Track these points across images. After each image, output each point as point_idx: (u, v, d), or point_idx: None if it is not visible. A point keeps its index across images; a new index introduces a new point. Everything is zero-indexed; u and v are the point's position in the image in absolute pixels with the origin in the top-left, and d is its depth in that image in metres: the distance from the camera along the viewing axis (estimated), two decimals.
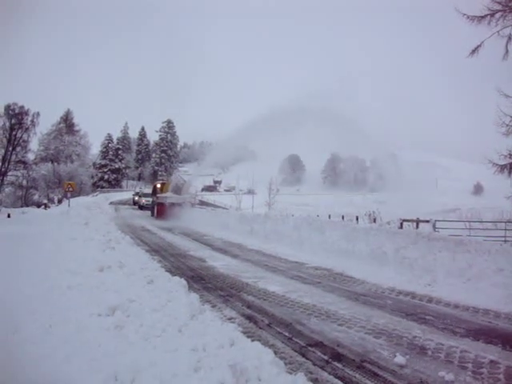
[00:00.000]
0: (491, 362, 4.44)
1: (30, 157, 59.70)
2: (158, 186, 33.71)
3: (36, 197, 60.49)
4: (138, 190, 61.60)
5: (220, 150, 35.80)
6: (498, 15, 14.80)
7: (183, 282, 6.66)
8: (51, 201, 54.15)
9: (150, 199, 36.13)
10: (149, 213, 33.61)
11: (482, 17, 15.09)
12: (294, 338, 5.11)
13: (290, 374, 3.65)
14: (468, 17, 15.56)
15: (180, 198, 28.83)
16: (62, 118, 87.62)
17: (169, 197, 28.90)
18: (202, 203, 41.33)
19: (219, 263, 10.72)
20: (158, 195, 30.73)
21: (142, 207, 41.82)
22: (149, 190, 44.51)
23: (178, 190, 30.19)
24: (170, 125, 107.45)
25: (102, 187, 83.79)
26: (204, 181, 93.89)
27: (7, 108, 49.00)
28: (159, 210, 28.79)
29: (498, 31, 14.85)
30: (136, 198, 48.82)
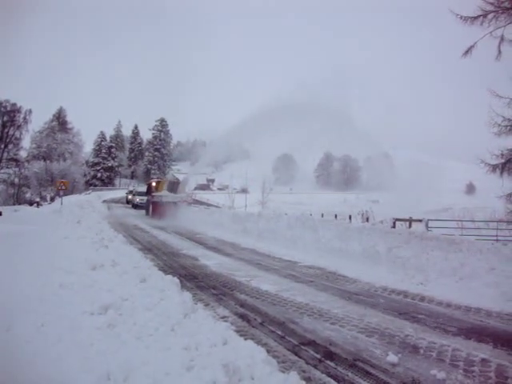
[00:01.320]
0: (482, 360, 4.47)
1: (23, 154, 59.64)
2: (153, 184, 32.62)
3: (28, 195, 60.22)
4: (131, 188, 61.17)
5: (215, 149, 35.43)
6: (490, 16, 14.87)
7: (176, 280, 6.64)
8: (43, 199, 53.90)
9: (145, 198, 35.33)
10: (142, 211, 33.09)
11: (475, 17, 15.16)
12: (286, 337, 5.11)
13: (283, 372, 3.65)
14: (461, 17, 15.62)
15: (176, 197, 28.17)
16: (54, 115, 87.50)
17: (164, 195, 28.11)
18: (196, 202, 41.11)
19: (212, 262, 10.70)
20: (153, 194, 29.90)
21: (136, 206, 40.95)
22: (143, 189, 44.07)
23: (173, 189, 29.66)
24: (163, 123, 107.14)
25: (95, 185, 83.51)
26: (197, 179, 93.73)
27: None
28: (154, 208, 28.08)
29: (490, 32, 14.92)
30: (129, 197, 48.23)
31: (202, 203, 45.10)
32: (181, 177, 36.52)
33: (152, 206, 28.69)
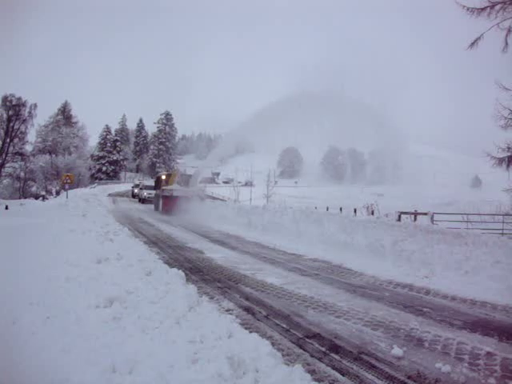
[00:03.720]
0: (488, 353, 4.46)
1: (28, 148, 59.70)
2: (163, 177, 30.56)
3: (34, 188, 60.54)
4: (137, 181, 60.89)
5: (226, 143, 34.65)
6: (497, 7, 14.69)
7: (181, 273, 6.66)
8: (49, 192, 54.18)
9: (153, 192, 33.66)
10: (150, 206, 31.93)
11: (482, 9, 14.98)
12: (291, 330, 5.11)
13: (288, 365, 3.65)
14: (468, 9, 15.43)
15: (188, 191, 26.57)
16: (59, 109, 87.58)
17: (175, 189, 26.38)
18: (207, 196, 39.79)
19: (217, 255, 10.72)
20: (163, 187, 27.77)
21: (143, 200, 39.42)
22: (150, 182, 43.40)
23: (185, 182, 28.51)
24: (168, 116, 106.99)
25: (100, 179, 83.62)
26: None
27: (4, 99, 48.87)
28: (165, 203, 26.30)
29: (497, 23, 14.74)
30: (136, 191, 47.44)
31: (207, 197, 44.74)
32: (191, 170, 35.46)
33: (163, 201, 26.97)
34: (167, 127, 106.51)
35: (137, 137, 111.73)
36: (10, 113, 48.83)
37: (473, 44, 15.75)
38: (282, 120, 26.01)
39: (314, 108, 24.28)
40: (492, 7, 14.76)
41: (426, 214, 16.52)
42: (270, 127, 27.70)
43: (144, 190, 40.93)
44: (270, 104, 25.15)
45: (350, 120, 24.50)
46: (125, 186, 66.65)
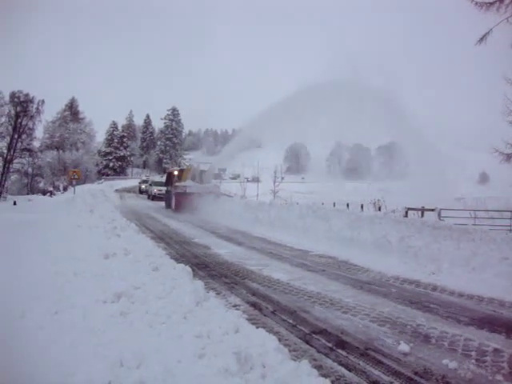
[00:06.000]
0: (495, 350, 4.44)
1: (36, 144, 59.96)
2: (176, 173, 28.52)
3: (41, 184, 60.85)
4: (144, 177, 60.67)
5: (241, 138, 33.67)
6: (507, 1, 14.51)
7: (188, 269, 6.67)
8: (57, 188, 54.48)
9: (164, 188, 31.67)
10: (160, 203, 30.82)
11: (491, 3, 14.81)
12: (298, 326, 5.12)
13: (294, 360, 3.65)
14: (476, 3, 15.27)
15: (201, 188, 25.12)
16: (66, 105, 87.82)
17: (189, 186, 24.70)
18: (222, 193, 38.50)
19: (224, 250, 10.74)
20: (176, 184, 25.87)
21: (153, 197, 37.24)
22: (159, 178, 42.44)
23: (199, 178, 27.57)
24: (174, 112, 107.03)
25: (107, 175, 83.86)
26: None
27: (12, 95, 49.11)
28: (178, 200, 24.56)
29: (507, 18, 14.57)
30: (143, 187, 46.52)
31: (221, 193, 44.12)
32: (204, 166, 34.78)
33: (175, 198, 25.16)
34: (174, 123, 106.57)
35: (143, 133, 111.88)
36: (18, 109, 49.06)
37: (481, 39, 15.57)
38: (297, 112, 25.57)
39: (330, 99, 23.87)
40: (501, 1, 14.59)
41: (433, 210, 16.47)
42: (285, 120, 27.18)
43: (154, 187, 39.04)
44: (286, 96, 24.69)
45: (366, 111, 24.18)
46: (132, 182, 66.66)
